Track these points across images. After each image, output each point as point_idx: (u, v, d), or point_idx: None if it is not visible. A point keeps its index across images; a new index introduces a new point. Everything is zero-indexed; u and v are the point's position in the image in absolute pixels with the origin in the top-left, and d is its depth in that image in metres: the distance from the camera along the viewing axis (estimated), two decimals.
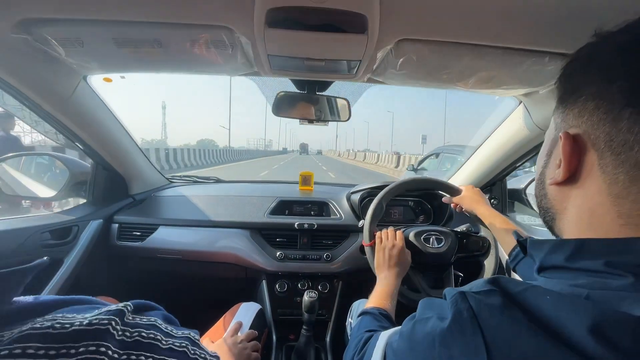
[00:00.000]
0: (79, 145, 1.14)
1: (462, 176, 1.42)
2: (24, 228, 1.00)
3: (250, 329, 0.98)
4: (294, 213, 1.39)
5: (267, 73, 0.90)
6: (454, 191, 1.08)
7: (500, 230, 0.91)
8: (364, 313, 0.72)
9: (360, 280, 1.29)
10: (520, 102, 1.03)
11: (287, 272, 1.25)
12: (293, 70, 0.86)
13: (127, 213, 1.32)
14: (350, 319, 1.07)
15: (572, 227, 0.37)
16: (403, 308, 0.81)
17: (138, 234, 1.28)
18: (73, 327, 0.29)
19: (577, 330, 0.27)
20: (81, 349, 0.28)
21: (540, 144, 0.98)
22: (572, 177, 0.36)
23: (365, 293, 1.15)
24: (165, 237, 1.27)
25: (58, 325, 0.29)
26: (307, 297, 1.01)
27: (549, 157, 0.41)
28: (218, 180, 1.76)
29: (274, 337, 1.16)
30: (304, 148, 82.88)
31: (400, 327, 0.48)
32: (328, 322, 1.25)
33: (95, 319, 0.30)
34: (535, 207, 1.38)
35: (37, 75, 0.82)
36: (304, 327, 1.06)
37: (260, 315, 1.09)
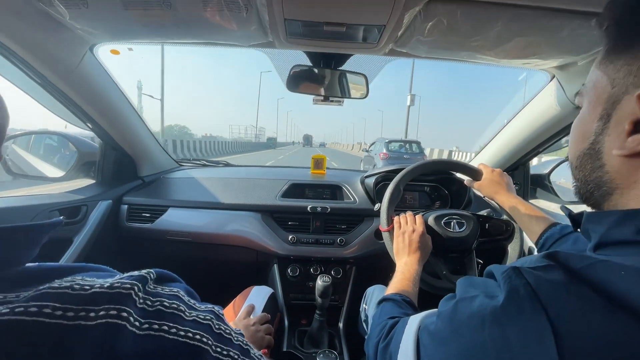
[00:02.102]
0: (87, 123, 1.11)
1: (484, 158, 1.35)
2: (33, 206, 0.98)
3: (262, 312, 0.96)
4: (306, 196, 1.35)
5: (281, 43, 0.85)
6: (474, 173, 1.02)
7: (523, 218, 0.85)
8: (385, 300, 0.68)
9: (375, 265, 1.25)
10: (553, 76, 0.95)
11: (299, 256, 1.21)
12: (310, 38, 0.80)
13: (137, 194, 1.30)
14: (364, 305, 1.03)
15: None
16: (423, 295, 0.77)
17: (147, 215, 1.25)
18: (93, 289, 0.26)
19: None
20: (101, 312, 0.25)
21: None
22: None
23: (379, 279, 1.12)
24: (175, 218, 1.24)
25: (77, 287, 0.26)
26: (320, 282, 0.98)
27: (605, 122, 0.34)
28: (227, 164, 1.74)
29: (286, 322, 1.14)
30: (307, 140, 78.62)
31: (435, 309, 0.44)
32: (341, 307, 1.22)
33: (117, 283, 0.28)
34: (560, 194, 1.32)
35: (43, 44, 0.78)
36: (317, 312, 1.04)
37: (273, 299, 1.06)
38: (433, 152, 18.29)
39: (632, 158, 0.32)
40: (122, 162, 1.32)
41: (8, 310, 0.23)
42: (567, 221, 0.86)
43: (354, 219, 1.28)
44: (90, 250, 1.10)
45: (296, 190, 1.36)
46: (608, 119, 0.34)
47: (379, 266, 1.21)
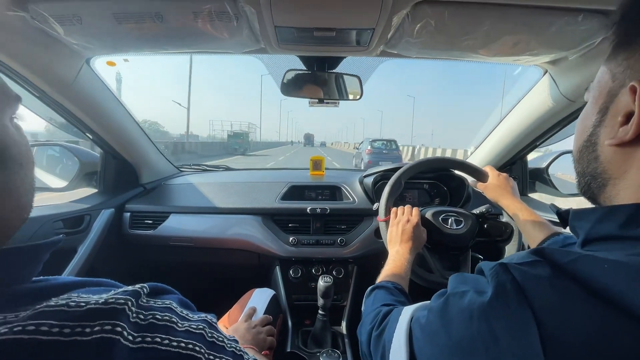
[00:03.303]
0: (86, 133, 1.13)
1: (482, 154, 1.36)
2: (37, 217, 0.99)
3: (264, 314, 0.97)
4: (305, 198, 1.36)
5: (274, 49, 0.85)
6: (479, 175, 1.02)
7: (526, 224, 0.84)
8: (377, 287, 0.69)
9: (376, 264, 1.25)
10: (545, 71, 0.96)
11: (301, 257, 1.23)
12: (302, 43, 0.81)
13: (138, 202, 1.32)
14: None
15: (631, 193, 0.32)
16: (416, 287, 0.78)
17: (150, 222, 1.27)
18: (88, 306, 0.27)
19: None
20: (96, 328, 0.26)
21: (569, 116, 0.91)
22: None
23: None
24: (177, 224, 1.26)
25: (73, 304, 0.27)
26: (322, 282, 0.99)
27: (603, 114, 0.35)
28: (228, 168, 1.76)
29: (290, 323, 1.15)
30: (308, 139, 74.09)
31: (427, 302, 0.45)
32: (344, 307, 1.23)
33: (112, 298, 0.29)
34: (557, 187, 1.32)
35: (40, 59, 0.80)
36: (320, 312, 1.05)
37: (274, 300, 1.07)
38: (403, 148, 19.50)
39: (622, 147, 0.32)
40: (123, 170, 1.34)
41: (7, 329, 0.24)
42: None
43: (353, 219, 1.29)
44: (94, 258, 1.12)
45: (295, 192, 1.37)
46: (606, 111, 0.35)
47: (381, 265, 1.22)
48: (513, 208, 0.89)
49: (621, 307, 0.25)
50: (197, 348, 0.32)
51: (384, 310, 0.55)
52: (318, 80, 1.04)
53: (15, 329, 0.24)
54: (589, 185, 0.38)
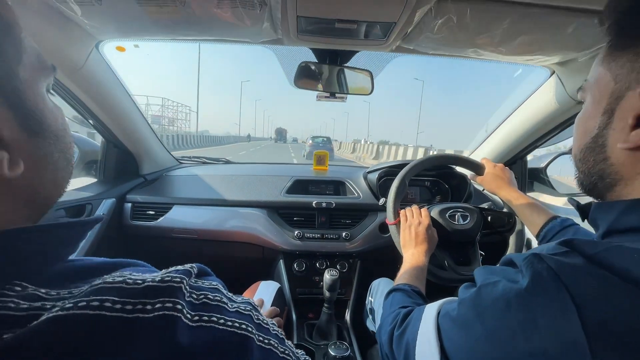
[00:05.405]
0: (89, 120, 1.10)
1: (484, 152, 1.38)
2: None
3: (271, 306, 0.97)
4: (309, 192, 1.36)
5: (291, 40, 0.85)
6: (476, 167, 1.05)
7: (525, 211, 0.87)
8: (395, 290, 0.70)
9: (379, 259, 1.28)
10: (553, 72, 0.98)
11: (305, 251, 1.23)
12: (320, 35, 0.81)
13: (140, 192, 1.29)
14: (370, 298, 1.05)
15: None
16: (430, 286, 0.79)
17: (152, 213, 1.25)
18: (146, 283, 0.27)
19: None
20: (157, 305, 0.26)
21: (574, 116, 0.94)
22: None
23: (384, 272, 1.14)
24: (180, 216, 1.24)
25: (130, 281, 0.27)
26: (328, 276, 1.00)
27: (609, 117, 0.35)
28: (228, 161, 1.74)
29: (294, 316, 1.15)
30: (280, 135, 62.66)
31: (453, 297, 0.45)
32: (347, 300, 1.24)
33: (167, 277, 0.28)
34: (555, 187, 1.36)
35: (51, 40, 0.77)
36: (325, 305, 1.05)
37: (280, 293, 1.07)
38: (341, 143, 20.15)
39: (635, 151, 0.33)
40: (124, 160, 1.32)
41: (71, 304, 0.24)
42: (565, 214, 0.90)
43: (358, 214, 1.30)
44: (95, 249, 1.10)
45: (300, 186, 1.37)
46: (612, 113, 0.35)
47: (384, 260, 1.23)
48: (511, 197, 0.92)
49: None
50: (250, 329, 0.32)
51: (404, 311, 0.55)
52: (330, 74, 1.04)
53: (80, 304, 0.24)
54: (595, 184, 0.39)
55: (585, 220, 0.43)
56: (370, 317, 1.01)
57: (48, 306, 0.25)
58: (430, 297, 0.63)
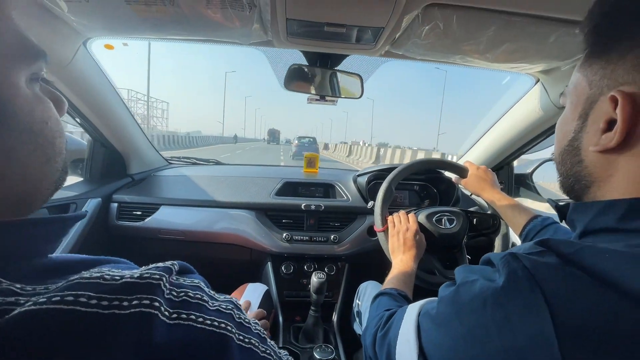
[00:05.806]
0: (76, 118, 1.08)
1: (471, 157, 1.40)
2: None
3: (258, 308, 0.96)
4: (299, 194, 1.36)
5: (281, 42, 0.86)
6: (460, 170, 1.06)
7: (507, 212, 0.89)
8: (381, 294, 0.70)
9: (367, 262, 1.28)
10: (537, 80, 1.01)
11: (294, 253, 1.23)
12: (309, 38, 0.82)
13: (127, 192, 1.28)
14: (357, 300, 1.05)
15: (617, 194, 0.35)
16: (419, 291, 0.80)
17: (139, 213, 1.23)
18: (124, 279, 0.26)
19: None
20: (134, 302, 0.25)
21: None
22: (624, 141, 0.33)
23: (372, 275, 1.14)
24: (168, 217, 1.23)
25: (108, 277, 0.26)
26: (315, 279, 0.99)
27: (583, 121, 0.37)
28: (218, 163, 1.73)
29: (281, 318, 1.14)
30: (273, 136, 60.72)
31: (434, 297, 0.46)
32: (335, 303, 1.23)
33: (146, 273, 0.28)
34: (540, 192, 1.39)
35: (37, 37, 0.76)
36: (312, 308, 1.05)
37: (268, 296, 1.06)
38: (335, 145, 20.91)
39: (606, 154, 0.34)
40: (111, 159, 1.30)
41: (45, 299, 0.23)
42: (547, 214, 0.92)
43: (347, 217, 1.30)
44: (79, 249, 1.07)
45: (289, 188, 1.36)
46: (586, 118, 0.37)
47: (372, 263, 1.24)
48: (494, 198, 0.93)
49: (624, 291, 0.27)
50: (229, 327, 0.32)
51: (387, 314, 0.56)
52: (321, 77, 1.05)
53: (53, 299, 0.23)
54: (572, 186, 0.40)
55: (564, 220, 0.44)
56: (358, 320, 1.01)
57: (22, 301, 0.24)
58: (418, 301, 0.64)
